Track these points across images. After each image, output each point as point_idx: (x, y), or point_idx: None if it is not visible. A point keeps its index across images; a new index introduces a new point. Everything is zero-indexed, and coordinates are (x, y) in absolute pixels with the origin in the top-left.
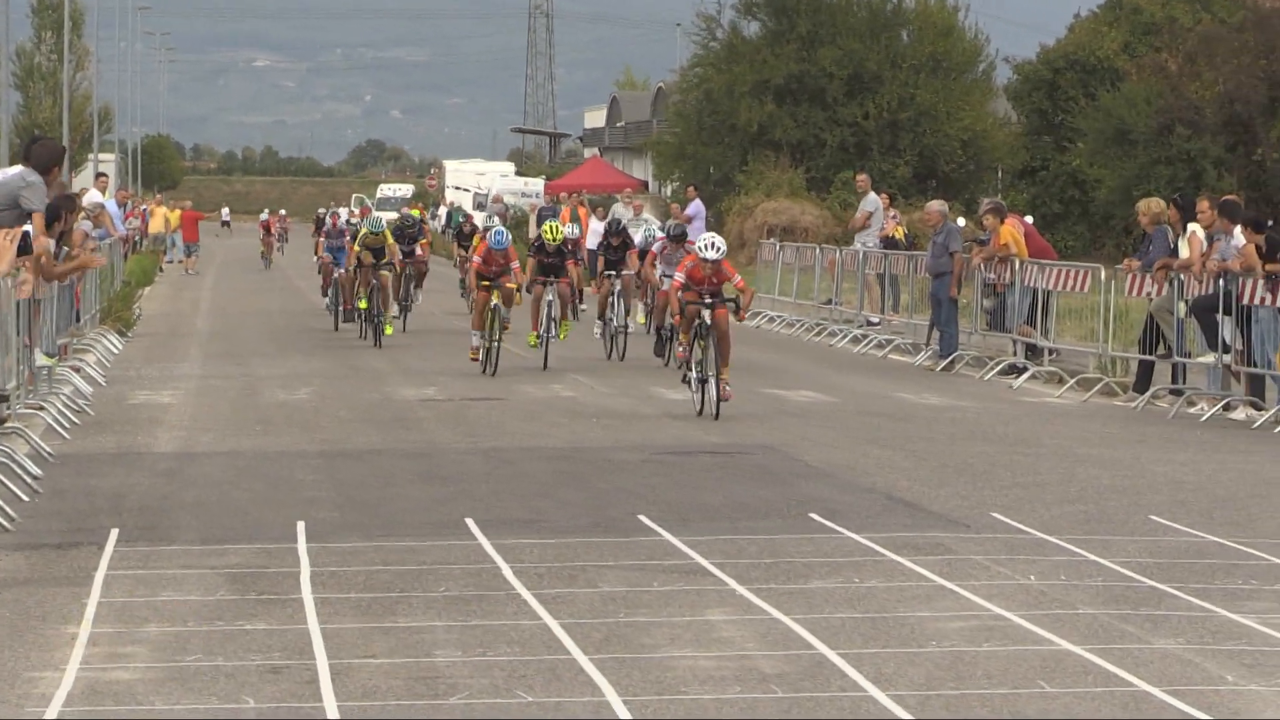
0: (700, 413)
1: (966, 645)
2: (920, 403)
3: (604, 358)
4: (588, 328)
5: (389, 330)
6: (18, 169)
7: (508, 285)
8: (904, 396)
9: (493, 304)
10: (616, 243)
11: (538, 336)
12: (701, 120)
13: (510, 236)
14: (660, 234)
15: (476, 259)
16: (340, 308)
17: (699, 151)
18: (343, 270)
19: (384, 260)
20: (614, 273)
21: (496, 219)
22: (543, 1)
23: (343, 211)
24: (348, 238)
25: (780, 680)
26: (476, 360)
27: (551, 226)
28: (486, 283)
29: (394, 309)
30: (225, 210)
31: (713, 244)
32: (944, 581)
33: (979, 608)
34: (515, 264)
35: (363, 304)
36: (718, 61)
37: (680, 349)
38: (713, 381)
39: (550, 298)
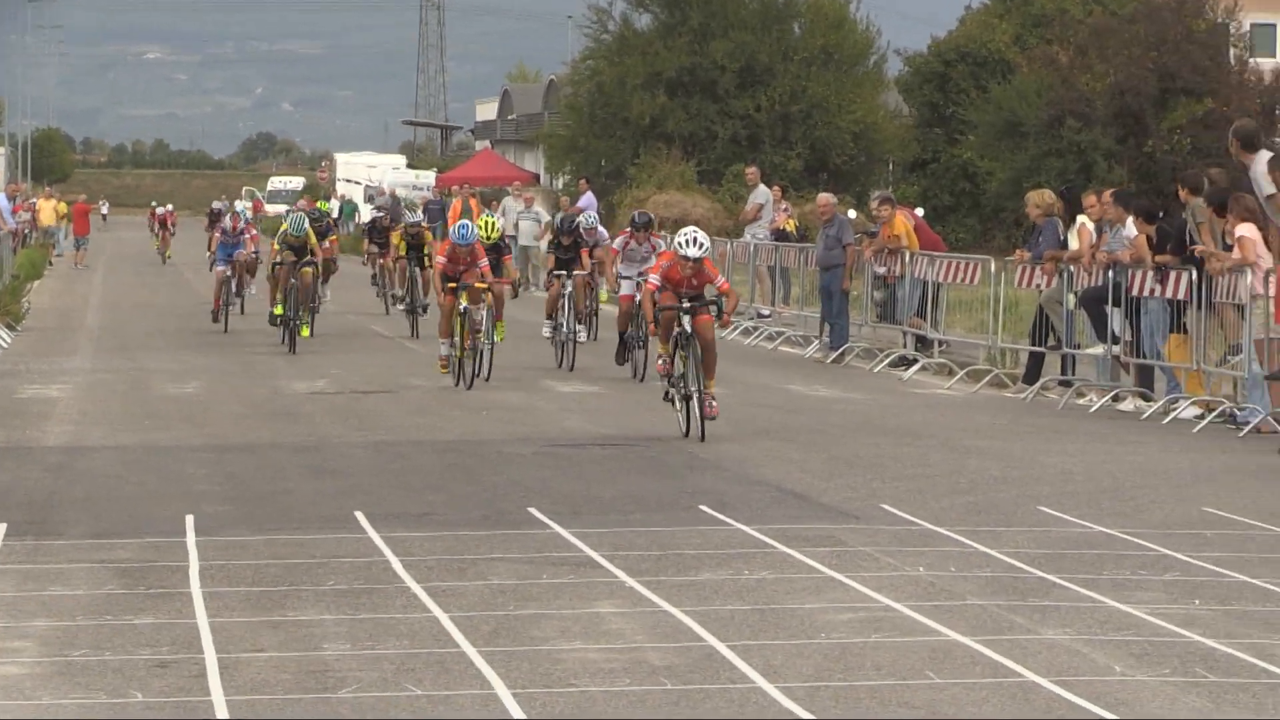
0: (686, 433)
1: (855, 636)
2: (811, 395)
3: (554, 366)
4: (515, 330)
5: (305, 332)
6: None
7: (477, 286)
8: (795, 388)
9: (461, 308)
10: (568, 241)
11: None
12: (593, 113)
13: (476, 231)
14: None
15: (440, 259)
16: (226, 306)
17: (591, 144)
18: (221, 268)
19: (304, 259)
20: (565, 273)
21: (420, 213)
22: None
23: (238, 205)
24: (248, 235)
25: (669, 672)
26: (446, 371)
27: (486, 222)
28: (453, 285)
29: (320, 301)
30: (104, 204)
31: (694, 239)
32: (833, 573)
33: (868, 599)
34: (484, 261)
35: (278, 310)
36: (609, 54)
37: (659, 362)
38: (696, 398)
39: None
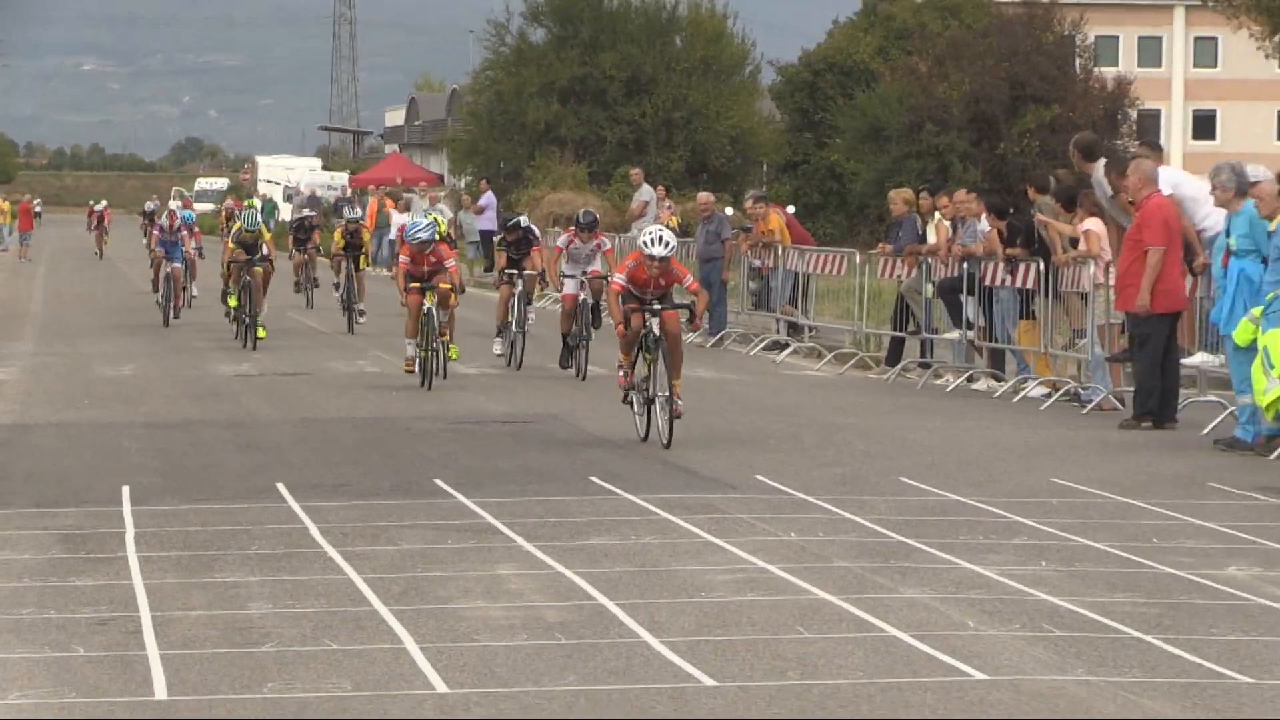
0: (645, 438)
1: (732, 595)
2: (692, 376)
3: (504, 368)
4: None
5: (262, 333)
6: None
7: (443, 286)
8: None
9: (426, 308)
10: (513, 238)
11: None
12: (493, 119)
13: (436, 230)
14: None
15: (404, 259)
16: (171, 304)
17: (490, 148)
18: (176, 265)
19: (257, 256)
20: (515, 272)
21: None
22: (346, 10)
23: (173, 204)
24: (185, 233)
25: (563, 628)
26: (412, 372)
27: (434, 220)
28: (417, 284)
29: (264, 307)
30: (38, 202)
31: (660, 238)
32: (712, 538)
33: (744, 562)
34: (451, 262)
35: (232, 301)
36: (507, 65)
37: (620, 374)
38: (660, 401)
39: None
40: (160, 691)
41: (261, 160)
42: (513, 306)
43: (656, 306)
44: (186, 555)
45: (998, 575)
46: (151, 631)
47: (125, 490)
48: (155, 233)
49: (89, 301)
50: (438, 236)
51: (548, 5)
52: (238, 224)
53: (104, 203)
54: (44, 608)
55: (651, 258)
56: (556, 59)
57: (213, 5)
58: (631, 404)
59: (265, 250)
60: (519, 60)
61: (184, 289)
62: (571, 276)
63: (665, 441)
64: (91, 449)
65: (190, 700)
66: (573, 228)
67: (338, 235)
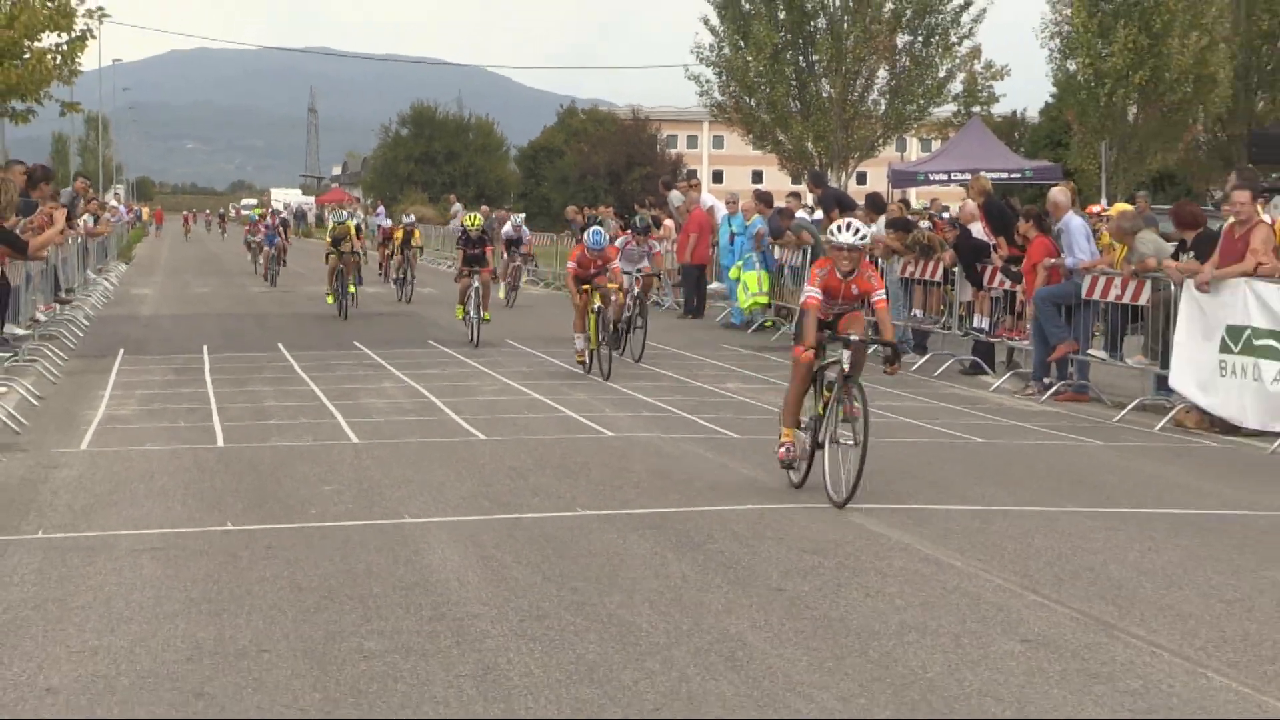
0: (800, 485)
1: (500, 397)
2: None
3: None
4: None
5: (353, 289)
6: None
7: (608, 285)
8: None
9: (595, 306)
10: (475, 236)
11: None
12: (381, 172)
13: (606, 238)
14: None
15: (571, 264)
16: (273, 270)
17: (380, 185)
18: (268, 248)
19: (344, 248)
20: (474, 269)
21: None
22: (314, 119)
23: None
24: (280, 227)
25: (415, 410)
26: (583, 363)
27: (472, 218)
28: (586, 286)
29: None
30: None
31: (850, 225)
32: (486, 369)
33: (507, 384)
34: (615, 263)
35: (330, 298)
36: (387, 148)
37: (780, 449)
38: (843, 447)
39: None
40: (220, 440)
41: (275, 191)
42: (470, 296)
43: (853, 336)
44: (231, 378)
45: None
46: (216, 414)
47: (205, 347)
48: (262, 227)
49: (186, 258)
50: (605, 242)
51: (412, 117)
52: (331, 225)
53: (191, 210)
54: (163, 402)
55: (839, 246)
56: (414, 146)
57: (247, 116)
58: (792, 460)
59: (354, 244)
60: (395, 144)
61: (281, 263)
62: (628, 272)
63: (845, 498)
64: (188, 327)
65: (235, 447)
66: (629, 230)
67: (399, 234)
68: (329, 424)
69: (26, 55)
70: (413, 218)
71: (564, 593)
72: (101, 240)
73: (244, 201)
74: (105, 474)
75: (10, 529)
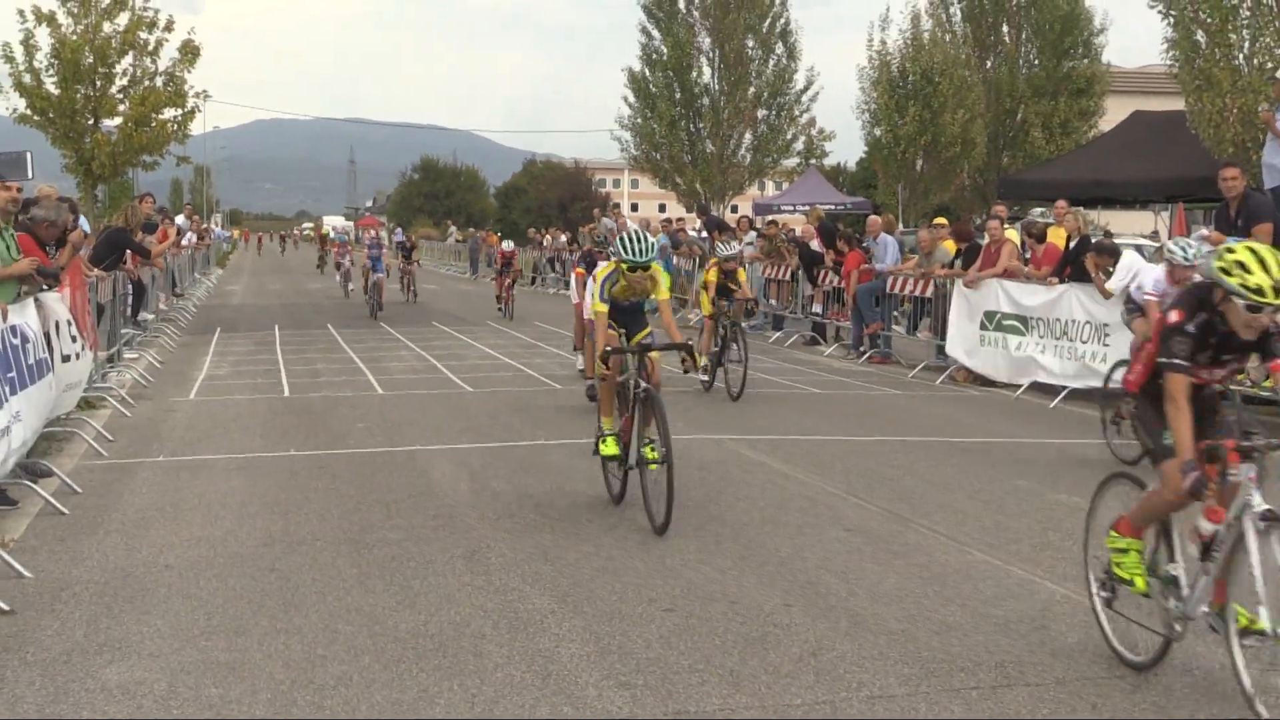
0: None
1: (488, 361)
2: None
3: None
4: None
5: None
6: None
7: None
8: None
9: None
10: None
11: None
12: (401, 205)
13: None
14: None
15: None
16: (375, 299)
17: (402, 214)
18: (380, 275)
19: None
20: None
21: None
22: (352, 165)
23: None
24: (385, 249)
25: (422, 371)
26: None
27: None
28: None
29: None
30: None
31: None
32: (472, 341)
33: (488, 353)
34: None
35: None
36: (405, 188)
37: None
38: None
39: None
40: (286, 392)
41: (325, 218)
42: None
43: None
44: (294, 348)
45: None
46: (284, 373)
47: (276, 326)
48: (366, 252)
49: (263, 265)
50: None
51: (421, 166)
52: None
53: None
54: (249, 364)
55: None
56: (422, 186)
57: (306, 165)
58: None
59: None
60: (410, 185)
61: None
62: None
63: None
64: (263, 311)
65: (296, 396)
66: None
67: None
68: (362, 379)
69: (153, 124)
70: (408, 239)
71: (527, 498)
72: (204, 253)
73: (304, 225)
74: (206, 415)
75: (141, 453)
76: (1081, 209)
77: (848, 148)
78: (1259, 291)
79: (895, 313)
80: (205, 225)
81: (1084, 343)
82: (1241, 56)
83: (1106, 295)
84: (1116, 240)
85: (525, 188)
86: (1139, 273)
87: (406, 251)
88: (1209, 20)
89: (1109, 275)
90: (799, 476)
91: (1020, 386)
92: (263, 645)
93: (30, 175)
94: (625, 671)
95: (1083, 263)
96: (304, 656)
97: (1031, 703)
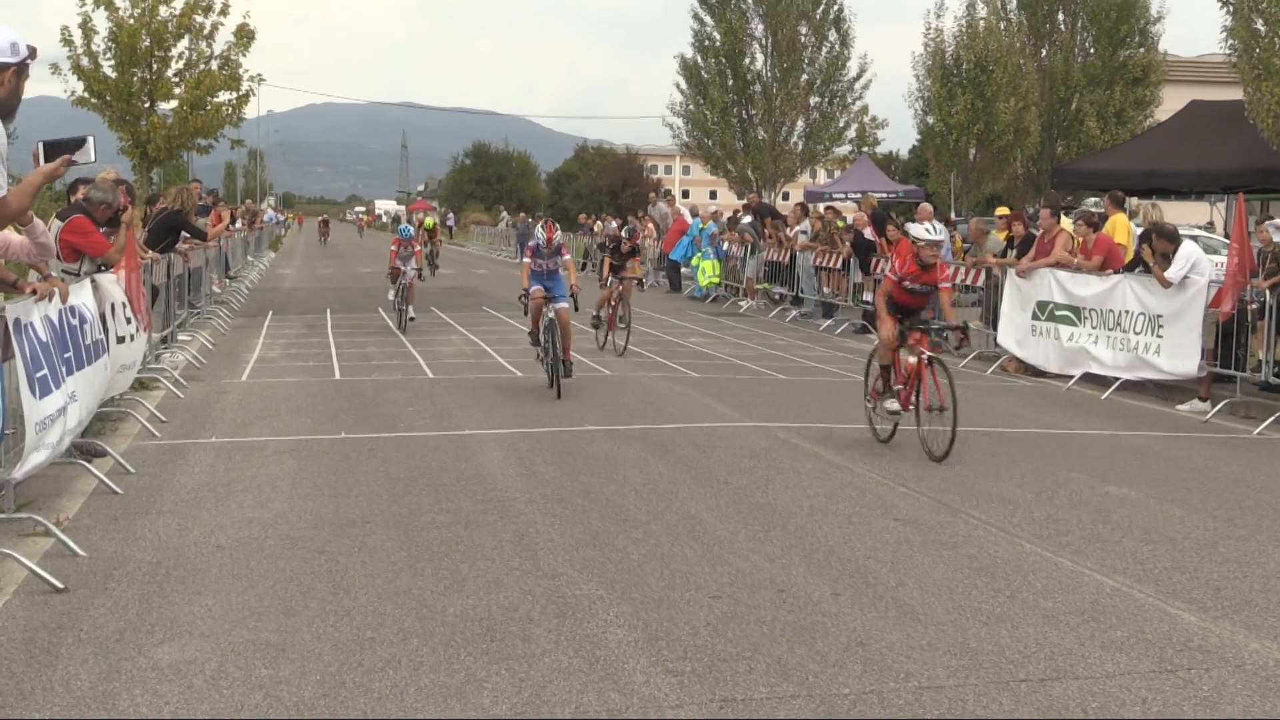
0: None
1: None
2: None
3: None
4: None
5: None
6: None
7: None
8: None
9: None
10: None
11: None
12: (450, 190)
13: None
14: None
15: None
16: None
17: (450, 199)
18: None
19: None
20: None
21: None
22: (404, 150)
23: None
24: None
25: (472, 355)
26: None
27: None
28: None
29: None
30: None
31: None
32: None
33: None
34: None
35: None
36: (455, 174)
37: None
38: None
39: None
40: (337, 375)
41: (378, 201)
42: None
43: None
44: (344, 331)
45: None
46: (334, 356)
47: (327, 310)
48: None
49: (314, 248)
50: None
51: (473, 151)
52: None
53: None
54: (301, 347)
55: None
56: (474, 172)
57: (358, 149)
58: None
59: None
60: (461, 170)
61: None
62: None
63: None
64: (315, 296)
65: (347, 380)
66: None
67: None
68: (412, 363)
69: (208, 108)
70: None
71: (575, 483)
72: (257, 235)
73: (356, 209)
74: (258, 397)
75: (194, 434)
76: (1155, 198)
77: (900, 136)
78: None
79: None
80: (258, 208)
81: (1137, 334)
82: None
83: (1165, 285)
84: None
85: (576, 174)
86: (1197, 262)
87: (428, 232)
88: (1269, 9)
89: (1168, 262)
90: (848, 466)
91: (1072, 378)
92: (312, 627)
93: (93, 158)
94: (672, 658)
95: (1139, 253)
96: (353, 639)
97: (1081, 696)
